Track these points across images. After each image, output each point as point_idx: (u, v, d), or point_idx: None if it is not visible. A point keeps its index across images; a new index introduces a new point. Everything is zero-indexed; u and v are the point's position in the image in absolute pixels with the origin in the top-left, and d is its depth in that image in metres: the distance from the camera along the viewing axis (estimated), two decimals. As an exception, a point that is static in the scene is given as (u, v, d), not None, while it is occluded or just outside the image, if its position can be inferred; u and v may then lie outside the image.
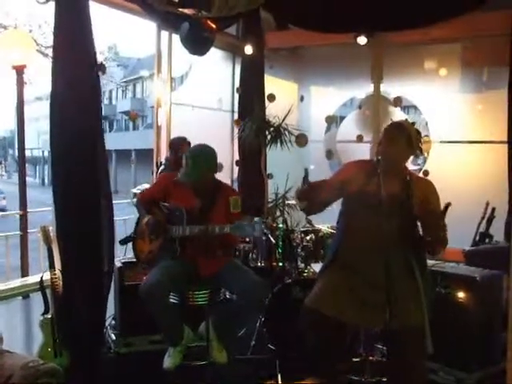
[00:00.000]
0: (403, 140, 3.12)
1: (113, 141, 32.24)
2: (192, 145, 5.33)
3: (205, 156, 3.84)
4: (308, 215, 3.53)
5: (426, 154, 6.91)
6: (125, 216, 7.63)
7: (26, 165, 6.54)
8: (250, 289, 3.65)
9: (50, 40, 16.25)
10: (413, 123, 3.24)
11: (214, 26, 5.01)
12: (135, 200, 4.10)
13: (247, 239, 4.78)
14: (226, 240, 3.83)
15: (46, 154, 45.98)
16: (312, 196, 3.05)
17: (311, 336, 3.21)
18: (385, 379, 3.63)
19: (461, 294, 3.86)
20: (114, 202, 4.25)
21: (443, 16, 5.54)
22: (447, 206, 2.92)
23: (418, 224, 3.17)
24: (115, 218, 4.32)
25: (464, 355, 3.79)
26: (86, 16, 3.96)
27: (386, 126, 3.26)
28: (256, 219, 3.52)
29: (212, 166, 3.87)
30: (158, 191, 3.98)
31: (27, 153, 7.19)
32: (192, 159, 3.79)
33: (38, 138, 42.79)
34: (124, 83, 41.04)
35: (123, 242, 4.31)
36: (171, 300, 3.74)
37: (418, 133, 3.20)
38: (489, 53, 6.31)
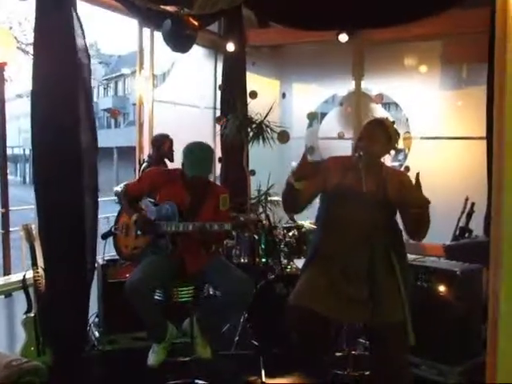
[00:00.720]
0: (383, 136, 3.20)
1: (94, 138, 31.93)
2: (173, 142, 5.37)
3: (208, 152, 3.87)
4: (295, 211, 3.47)
5: (407, 150, 6.97)
6: (107, 214, 7.59)
7: (7, 163, 6.47)
8: (236, 287, 3.66)
9: (30, 37, 16.12)
10: (393, 122, 3.31)
11: (196, 23, 5.01)
12: (120, 191, 4.04)
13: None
14: (217, 236, 3.85)
15: (27, 152, 45.59)
16: (310, 173, 3.02)
17: (296, 332, 3.23)
18: (367, 373, 3.67)
19: (442, 288, 3.90)
20: (97, 199, 4.24)
21: (423, 13, 5.58)
22: (418, 176, 2.95)
23: (397, 217, 3.22)
24: (98, 216, 4.30)
25: (446, 348, 3.83)
26: (68, 12, 3.94)
27: (367, 122, 3.31)
28: (254, 217, 3.55)
29: (212, 162, 3.92)
30: (147, 185, 3.93)
31: (8, 151, 7.12)
32: (197, 155, 3.79)
33: (19, 136, 42.34)
34: (105, 81, 40.75)
35: (104, 236, 4.29)
36: (156, 297, 3.74)
37: (397, 132, 3.28)
38: (468, 49, 6.36)
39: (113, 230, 4.14)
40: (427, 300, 3.90)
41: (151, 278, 3.63)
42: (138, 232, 3.90)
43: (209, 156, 3.85)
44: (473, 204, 5.52)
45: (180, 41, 5.10)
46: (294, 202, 3.20)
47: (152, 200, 3.98)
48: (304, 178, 2.99)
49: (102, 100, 42.33)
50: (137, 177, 5.70)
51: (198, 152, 3.80)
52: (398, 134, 3.30)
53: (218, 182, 6.75)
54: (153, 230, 3.81)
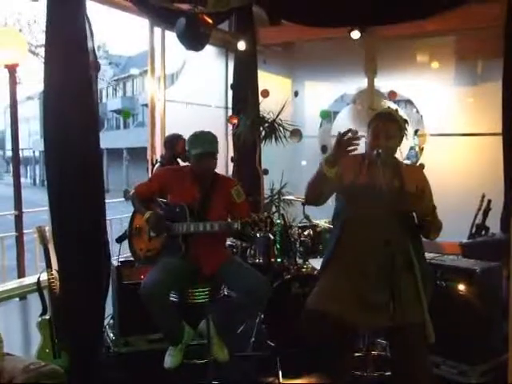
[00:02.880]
0: (396, 129, 3.12)
1: (104, 140, 32.06)
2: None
3: (210, 133, 3.88)
4: (319, 202, 3.33)
5: (417, 148, 6.92)
6: (119, 215, 7.59)
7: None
8: (251, 287, 3.63)
9: (39, 39, 16.18)
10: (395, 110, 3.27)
11: (210, 21, 4.98)
12: (131, 193, 4.02)
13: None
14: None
15: (37, 154, 45.84)
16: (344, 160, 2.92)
17: (314, 336, 3.18)
18: (387, 374, 3.62)
19: (461, 287, 3.85)
20: (106, 201, 4.19)
21: (437, 9, 5.53)
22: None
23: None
24: (111, 218, 4.28)
25: (466, 348, 3.79)
26: (79, 12, 3.91)
27: (377, 117, 3.21)
28: (265, 214, 3.50)
29: (217, 144, 3.88)
30: (156, 185, 3.93)
31: (19, 153, 7.11)
32: (201, 135, 3.82)
33: (29, 139, 42.62)
34: (114, 82, 40.89)
35: (119, 239, 4.29)
36: (171, 298, 3.71)
37: (405, 119, 3.21)
38: (483, 45, 6.30)
39: (127, 233, 4.12)
40: (446, 299, 3.86)
41: (166, 280, 3.60)
42: (151, 233, 3.88)
43: (212, 136, 3.85)
44: (489, 201, 5.46)
45: (194, 39, 5.08)
46: (321, 191, 3.07)
47: (164, 200, 3.94)
48: (336, 164, 2.90)
49: (111, 101, 42.53)
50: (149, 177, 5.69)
51: (201, 134, 3.84)
52: (406, 121, 3.22)
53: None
54: (165, 228, 3.78)
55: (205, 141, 3.80)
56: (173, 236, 3.78)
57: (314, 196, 3.13)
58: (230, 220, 3.76)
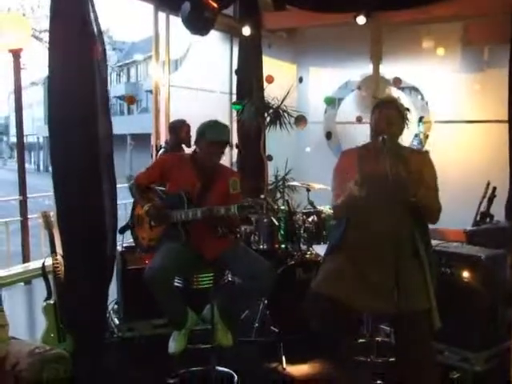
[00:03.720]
0: (399, 116, 3.17)
1: (107, 126, 32.08)
2: (191, 127, 5.32)
3: (228, 126, 3.90)
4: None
5: (421, 135, 6.90)
6: (122, 200, 7.59)
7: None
8: (255, 272, 3.62)
9: (43, 24, 16.11)
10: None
11: (215, 5, 4.94)
12: (131, 183, 4.02)
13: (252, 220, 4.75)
14: (228, 221, 3.79)
15: (41, 140, 45.85)
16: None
17: (318, 321, 3.18)
18: (391, 360, 3.63)
19: (466, 274, 3.84)
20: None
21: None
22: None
23: None
24: (114, 203, 4.28)
25: (470, 335, 3.79)
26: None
27: (380, 104, 3.23)
28: (261, 196, 3.49)
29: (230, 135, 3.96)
30: (156, 173, 3.91)
31: (22, 139, 7.09)
32: (218, 124, 3.82)
33: (33, 124, 42.60)
34: (118, 68, 40.80)
35: (122, 230, 4.30)
36: (175, 284, 3.71)
37: (406, 108, 3.26)
38: (489, 31, 6.25)
39: (129, 223, 4.13)
40: (451, 286, 3.84)
41: (170, 265, 3.60)
42: (152, 223, 3.88)
43: (228, 128, 3.89)
44: (494, 188, 5.44)
45: (199, 23, 5.05)
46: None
47: (162, 189, 3.94)
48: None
49: (115, 87, 42.42)
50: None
51: (219, 123, 3.84)
52: (408, 109, 3.27)
53: (234, 169, 6.72)
54: (165, 218, 3.78)
55: (223, 130, 3.81)
56: (173, 223, 3.78)
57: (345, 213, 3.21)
58: None
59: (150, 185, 3.94)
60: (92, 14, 3.96)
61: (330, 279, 3.11)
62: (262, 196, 3.53)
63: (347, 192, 2.99)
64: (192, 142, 4.91)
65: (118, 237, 4.40)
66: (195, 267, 3.76)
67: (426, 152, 3.28)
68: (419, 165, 3.14)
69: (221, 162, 3.99)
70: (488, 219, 5.43)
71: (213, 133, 3.75)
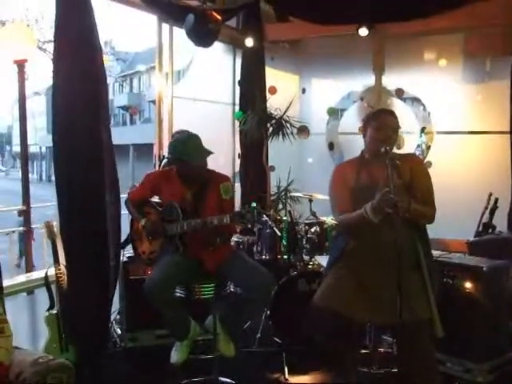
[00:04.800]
0: (398, 125, 3.23)
1: (110, 136, 32.18)
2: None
3: (199, 137, 3.80)
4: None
5: (423, 146, 6.91)
6: (126, 210, 7.60)
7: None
8: (256, 282, 3.62)
9: (47, 35, 16.20)
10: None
11: (219, 17, 4.97)
12: (125, 200, 4.06)
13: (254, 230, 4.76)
14: (223, 229, 3.78)
15: (44, 149, 45.96)
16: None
17: (321, 332, 3.19)
18: (393, 370, 3.63)
19: (468, 285, 3.84)
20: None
21: (445, 6, 5.52)
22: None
23: None
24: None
25: (472, 345, 3.78)
26: (87, 7, 3.92)
27: (380, 114, 3.29)
28: (253, 204, 3.48)
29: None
30: (148, 189, 3.97)
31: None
32: (194, 141, 3.74)
33: (35, 134, 42.72)
34: (121, 78, 40.92)
35: (123, 245, 4.33)
36: (177, 294, 3.72)
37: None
38: (492, 42, 6.28)
39: (129, 237, 4.16)
40: (453, 296, 3.85)
41: (168, 277, 3.61)
42: (149, 237, 3.90)
43: (201, 140, 3.78)
44: (496, 199, 5.45)
45: (203, 35, 5.07)
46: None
47: (157, 201, 3.97)
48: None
49: (118, 97, 42.58)
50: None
51: (192, 139, 3.77)
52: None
53: (237, 179, 6.74)
54: (162, 232, 3.80)
55: (200, 148, 3.74)
56: (170, 236, 3.80)
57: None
58: None
59: (143, 200, 3.99)
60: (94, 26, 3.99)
61: (331, 291, 3.12)
62: (254, 204, 3.48)
63: (360, 213, 3.01)
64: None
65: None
66: (196, 277, 3.76)
67: (414, 155, 3.33)
68: (412, 170, 3.17)
69: (222, 172, 4.01)
70: (490, 230, 5.44)
71: (189, 155, 3.68)
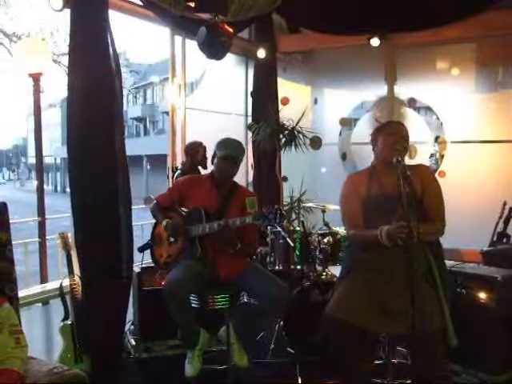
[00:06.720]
0: (407, 135, 3.23)
1: (124, 147, 32.39)
2: (207, 149, 5.38)
3: (240, 144, 3.97)
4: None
5: (437, 155, 6.90)
6: (139, 222, 7.64)
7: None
8: (271, 293, 3.63)
9: (61, 48, 16.33)
10: None
11: (231, 30, 5.01)
12: (152, 204, 4.09)
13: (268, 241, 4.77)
14: (246, 240, 3.84)
15: (58, 161, 46.31)
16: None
17: (334, 343, 3.19)
18: (408, 381, 3.61)
19: (482, 295, 3.82)
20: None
21: (457, 16, 5.53)
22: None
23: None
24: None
25: (487, 357, 3.75)
26: (102, 20, 3.98)
27: (391, 122, 3.32)
28: (275, 206, 3.49)
29: (244, 154, 3.98)
30: (176, 194, 4.02)
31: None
32: (230, 140, 3.94)
33: (50, 146, 43.07)
34: (134, 89, 41.19)
35: (141, 249, 4.34)
36: (192, 304, 3.73)
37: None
38: (504, 51, 6.27)
39: (149, 242, 4.18)
40: (467, 307, 3.82)
41: (187, 280, 3.63)
42: (170, 239, 3.93)
43: (239, 144, 3.95)
44: (511, 208, 5.41)
45: (215, 48, 5.11)
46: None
47: (184, 209, 3.99)
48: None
49: (132, 108, 42.81)
50: (169, 184, 5.75)
51: (229, 139, 3.97)
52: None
53: (250, 189, 6.75)
54: (182, 232, 3.84)
55: (230, 145, 3.90)
56: (191, 239, 3.83)
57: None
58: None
59: (171, 205, 4.01)
60: (110, 37, 4.04)
61: (343, 302, 3.12)
62: (276, 206, 3.50)
63: (375, 235, 3.01)
64: (208, 164, 4.97)
65: (137, 256, 4.44)
66: (210, 286, 3.78)
67: (424, 165, 3.33)
68: (423, 182, 3.17)
69: (237, 182, 4.05)
70: (505, 239, 5.40)
71: (220, 149, 3.85)
